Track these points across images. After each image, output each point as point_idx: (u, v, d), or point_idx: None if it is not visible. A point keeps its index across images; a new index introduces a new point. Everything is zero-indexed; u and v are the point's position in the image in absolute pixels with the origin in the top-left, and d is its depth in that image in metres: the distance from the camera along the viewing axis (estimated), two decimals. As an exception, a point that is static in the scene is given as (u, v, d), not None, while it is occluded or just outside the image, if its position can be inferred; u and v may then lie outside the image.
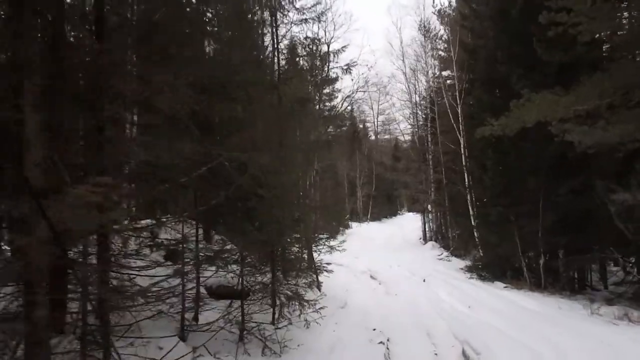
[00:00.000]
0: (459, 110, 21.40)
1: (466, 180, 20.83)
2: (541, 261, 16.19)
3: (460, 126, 21.35)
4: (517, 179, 15.99)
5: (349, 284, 17.45)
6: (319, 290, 13.86)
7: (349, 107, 58.16)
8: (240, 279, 7.17)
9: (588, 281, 17.01)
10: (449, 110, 22.19)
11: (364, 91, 36.24)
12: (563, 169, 15.07)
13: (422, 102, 31.10)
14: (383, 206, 57.02)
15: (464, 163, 20.94)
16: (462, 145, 21.17)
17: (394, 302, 13.49)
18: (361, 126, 61.82)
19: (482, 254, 20.48)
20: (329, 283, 15.60)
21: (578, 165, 14.74)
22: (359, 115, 61.12)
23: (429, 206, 29.92)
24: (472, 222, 20.74)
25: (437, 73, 30.37)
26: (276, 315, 8.07)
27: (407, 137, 32.71)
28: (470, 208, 20.79)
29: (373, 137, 64.69)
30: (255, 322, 7.33)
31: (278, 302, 8.06)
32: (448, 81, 25.63)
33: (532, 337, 8.65)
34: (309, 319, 8.63)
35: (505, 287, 16.79)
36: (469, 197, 20.82)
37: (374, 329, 9.41)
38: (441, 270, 21.82)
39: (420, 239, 34.12)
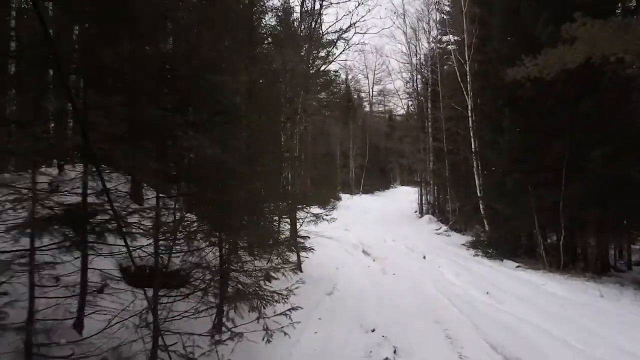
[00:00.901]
0: (467, 68, 18.75)
1: (473, 145, 18.32)
2: (561, 238, 13.85)
3: (468, 86, 18.74)
4: (537, 142, 13.49)
5: (339, 260, 15.03)
6: (300, 271, 11.16)
7: (343, 75, 55.62)
8: (156, 254, 4.17)
9: (611, 261, 14.69)
10: (456, 68, 19.52)
11: (361, 44, 33.46)
12: (594, 131, 12.58)
13: (422, 65, 28.32)
14: (376, 179, 54.53)
15: (470, 126, 18.40)
16: (469, 108, 18.59)
17: (394, 286, 11.02)
18: (356, 96, 58.97)
19: (488, 229, 18.10)
20: (315, 260, 13.15)
21: (614, 126, 12.28)
22: (353, 85, 58.37)
23: (427, 177, 27.49)
24: (478, 193, 18.34)
25: (439, 36, 27.61)
26: (219, 320, 5.11)
27: (404, 106, 29.98)
28: (476, 177, 18.35)
29: (368, 108, 61.93)
30: (179, 332, 4.36)
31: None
32: (454, 38, 22.83)
33: (586, 339, 6.28)
34: (275, 324, 5.26)
35: (518, 266, 14.47)
36: (475, 165, 18.36)
37: (373, 330, 6.95)
38: (441, 245, 19.48)
39: (416, 212, 31.73)
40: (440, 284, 11.02)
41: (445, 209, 25.92)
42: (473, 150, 18.33)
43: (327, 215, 13.25)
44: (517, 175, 13.80)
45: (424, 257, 15.95)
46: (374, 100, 60.62)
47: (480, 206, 18.32)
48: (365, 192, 50.85)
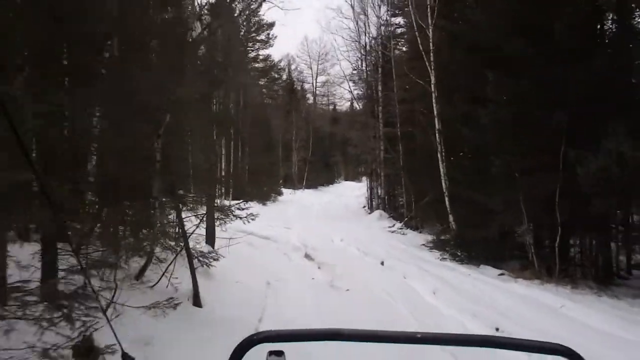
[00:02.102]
0: (430, 34, 15.40)
1: (437, 125, 14.99)
2: (557, 237, 10.70)
3: (431, 55, 15.39)
4: (530, 114, 10.26)
5: (274, 270, 11.22)
6: (198, 306, 6.91)
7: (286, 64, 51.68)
8: None
9: (614, 267, 11.69)
10: (417, 33, 16.08)
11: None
12: (605, 98, 9.47)
13: (373, 43, 24.89)
14: (320, 173, 51.01)
15: (434, 102, 15.05)
16: (432, 82, 15.24)
17: (351, 312, 7.28)
18: (299, 87, 55.18)
19: (455, 227, 14.85)
20: (238, 273, 9.35)
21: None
22: (297, 76, 54.56)
23: (377, 168, 24.20)
24: (443, 183, 15.04)
25: (389, 14, 24.33)
26: None
27: (351, 89, 26.29)
28: (440, 164, 15.04)
29: (311, 100, 58.33)
30: None
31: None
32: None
33: None
34: None
35: (501, 274, 11.25)
36: (439, 149, 15.04)
37: None
38: (398, 246, 16.07)
39: (365, 207, 28.39)
40: (418, 311, 7.41)
41: (398, 204, 22.68)
42: (437, 129, 15.00)
43: (240, 209, 9.26)
44: (504, 158, 10.50)
45: (382, 263, 12.42)
46: (318, 92, 57.07)
47: (446, 199, 15.05)
48: (309, 186, 47.24)
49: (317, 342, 1.23)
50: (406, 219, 20.41)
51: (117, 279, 5.02)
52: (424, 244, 16.54)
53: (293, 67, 52.50)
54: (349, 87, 25.75)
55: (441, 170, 15.17)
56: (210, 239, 10.47)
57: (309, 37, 76.86)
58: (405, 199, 20.89)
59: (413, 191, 19.76)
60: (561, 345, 1.00)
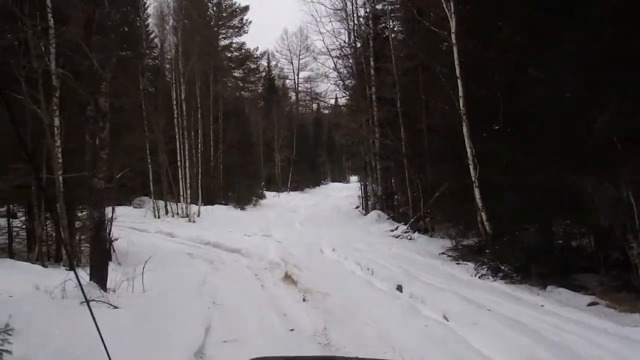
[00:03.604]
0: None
1: (460, 90, 10.58)
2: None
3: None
4: None
5: (230, 307, 6.80)
6: None
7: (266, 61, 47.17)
8: None
9: None
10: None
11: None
12: None
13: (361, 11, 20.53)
14: (305, 174, 46.49)
15: (455, 59, 10.64)
16: (451, 29, 10.77)
17: None
18: (280, 84, 50.68)
19: (489, 229, 10.51)
20: (163, 317, 4.84)
21: None
22: (278, 73, 50.12)
23: (372, 161, 19.83)
24: (471, 170, 10.68)
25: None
26: None
27: (337, 68, 21.85)
28: (466, 144, 10.67)
29: (294, 97, 53.93)
30: None
31: None
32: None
33: None
34: None
35: (591, 304, 6.92)
36: (464, 123, 10.65)
37: None
38: (411, 258, 11.67)
39: (358, 208, 24.00)
40: None
41: (400, 202, 18.30)
42: (461, 96, 10.62)
43: None
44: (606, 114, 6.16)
45: (400, 289, 8.00)
46: (300, 89, 52.67)
47: (475, 190, 10.67)
48: (294, 189, 42.79)
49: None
50: (412, 219, 16.03)
51: None
52: (443, 253, 12.20)
53: (273, 63, 48.17)
54: (334, 63, 21.30)
55: (467, 150, 10.80)
56: (99, 268, 5.98)
57: (289, 30, 72.43)
58: (410, 196, 16.53)
59: (420, 185, 15.39)
60: None
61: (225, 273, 10.16)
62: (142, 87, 21.22)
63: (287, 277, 9.69)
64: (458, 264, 10.60)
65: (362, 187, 22.98)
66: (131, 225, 18.17)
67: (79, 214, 11.74)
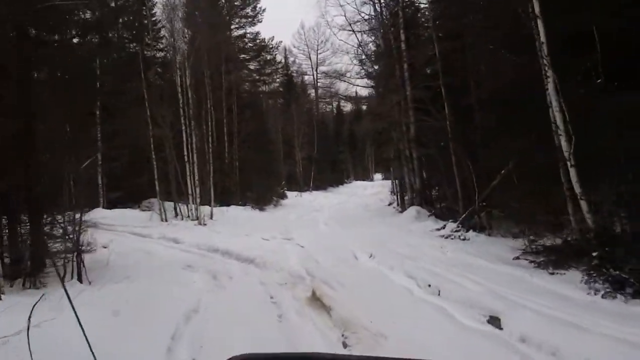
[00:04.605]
0: None
1: (542, 35, 7.40)
2: None
3: None
4: None
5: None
6: None
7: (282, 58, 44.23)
8: None
9: None
10: None
11: None
12: None
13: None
14: (327, 173, 43.37)
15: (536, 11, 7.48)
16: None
17: None
18: (299, 80, 47.75)
19: (592, 223, 7.36)
20: None
21: None
22: (296, 69, 47.17)
23: (407, 150, 16.69)
24: (562, 144, 7.57)
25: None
26: None
27: (358, 47, 18.54)
28: (555, 110, 7.56)
29: (313, 94, 50.99)
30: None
31: None
32: None
33: None
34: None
35: None
36: (551, 78, 7.50)
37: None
38: (478, 265, 8.56)
39: (392, 204, 20.86)
40: None
41: (446, 195, 15.06)
42: (543, 41, 7.46)
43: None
44: None
45: (495, 323, 4.94)
46: (319, 84, 49.69)
47: (571, 170, 7.53)
48: (316, 188, 39.73)
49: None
50: (464, 215, 12.87)
51: None
52: (517, 257, 9.08)
53: (291, 60, 45.27)
54: (358, 40, 18.07)
55: (555, 115, 7.67)
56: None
57: (306, 25, 69.59)
58: (459, 187, 13.38)
59: (474, 172, 12.24)
60: None
61: (229, 294, 7.24)
62: (145, 78, 18.55)
63: (315, 299, 6.73)
64: (552, 273, 7.47)
65: (396, 180, 19.79)
66: (133, 230, 15.49)
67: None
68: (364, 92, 21.09)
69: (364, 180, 56.40)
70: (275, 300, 6.84)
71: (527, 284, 6.80)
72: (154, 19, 22.47)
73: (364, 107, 28.40)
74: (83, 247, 7.92)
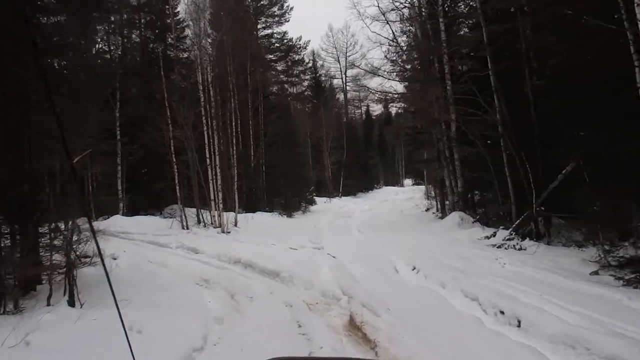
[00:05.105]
0: None
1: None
2: None
3: None
4: None
5: None
6: None
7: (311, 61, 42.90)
8: None
9: None
10: None
11: None
12: None
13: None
14: (357, 178, 41.66)
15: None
16: None
17: None
18: (327, 84, 46.40)
19: None
20: None
21: None
22: (325, 73, 45.84)
23: (447, 149, 14.99)
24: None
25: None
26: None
27: (392, 38, 16.78)
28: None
29: (342, 98, 49.60)
30: None
31: None
32: None
33: None
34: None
35: None
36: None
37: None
38: (553, 283, 6.88)
39: (430, 209, 19.16)
40: None
41: (496, 199, 13.24)
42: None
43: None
44: None
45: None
46: (348, 88, 48.27)
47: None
48: (346, 193, 38.18)
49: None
50: (518, 221, 11.15)
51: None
52: (595, 272, 7.40)
53: (319, 63, 43.99)
54: (392, 31, 16.43)
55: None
56: None
57: (334, 27, 68.25)
58: (512, 189, 11.64)
59: (531, 171, 10.52)
60: None
61: (246, 321, 5.80)
62: (166, 78, 17.47)
63: (354, 329, 5.26)
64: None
65: (430, 184, 18.07)
66: (151, 239, 14.27)
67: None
68: (398, 87, 19.43)
69: (394, 185, 54.56)
70: (304, 330, 5.37)
71: (633, 311, 5.14)
72: (177, 17, 21.51)
73: (397, 108, 26.50)
74: (77, 261, 6.63)
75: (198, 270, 9.57)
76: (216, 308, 6.52)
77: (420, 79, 15.26)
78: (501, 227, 12.00)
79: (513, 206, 11.73)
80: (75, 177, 7.65)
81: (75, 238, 8.02)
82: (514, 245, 10.62)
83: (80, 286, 7.03)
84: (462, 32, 14.78)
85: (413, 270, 8.89)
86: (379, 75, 16.21)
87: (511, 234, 11.18)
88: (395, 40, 16.20)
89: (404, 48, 16.67)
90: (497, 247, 10.76)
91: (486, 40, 11.68)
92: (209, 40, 17.98)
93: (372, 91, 18.05)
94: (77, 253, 8.60)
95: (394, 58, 16.27)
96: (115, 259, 10.08)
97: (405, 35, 16.88)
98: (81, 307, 6.10)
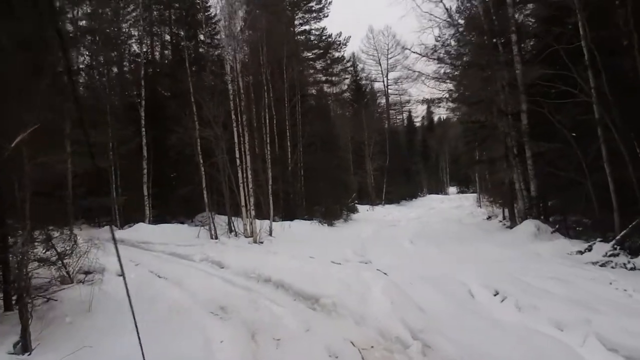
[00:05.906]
0: None
1: None
2: None
3: None
4: None
5: None
6: None
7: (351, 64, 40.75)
8: None
9: None
10: None
11: None
12: None
13: None
14: (399, 185, 39.03)
15: None
16: None
17: None
18: (368, 88, 44.19)
19: None
20: None
21: None
22: (365, 76, 43.65)
23: (514, 147, 12.44)
24: None
25: None
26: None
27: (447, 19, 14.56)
28: None
29: (383, 102, 47.25)
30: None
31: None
32: None
33: None
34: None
35: None
36: None
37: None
38: None
39: (493, 217, 16.60)
40: None
41: (583, 206, 10.56)
42: None
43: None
44: None
45: None
46: (389, 91, 45.93)
47: None
48: (389, 201, 35.71)
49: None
50: (623, 232, 8.60)
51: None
52: None
53: (360, 66, 41.83)
54: (446, 9, 14.15)
55: None
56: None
57: (375, 28, 65.89)
58: (613, 191, 9.09)
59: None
60: None
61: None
62: (196, 73, 15.79)
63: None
64: None
65: (498, 187, 15.49)
66: (173, 250, 12.44)
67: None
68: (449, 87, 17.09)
69: (438, 193, 51.78)
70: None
71: None
72: (207, 13, 19.94)
73: (446, 109, 24.00)
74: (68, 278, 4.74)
75: (217, 291, 7.55)
76: (228, 355, 4.45)
77: (483, 63, 12.85)
78: (599, 239, 9.43)
79: (616, 213, 9.15)
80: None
81: (59, 250, 6.29)
82: (623, 264, 8.09)
83: (50, 318, 5.17)
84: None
85: (495, 296, 6.58)
86: (431, 59, 13.86)
87: (614, 248, 8.63)
88: (451, 18, 13.90)
89: (461, 29, 14.30)
90: (601, 266, 8.25)
91: (577, 3, 9.20)
92: (242, 31, 16.18)
93: (426, 76, 15.64)
94: (67, 270, 6.93)
95: (448, 42, 13.92)
96: (120, 275, 8.25)
97: (460, 16, 14.53)
98: (29, 354, 4.16)
